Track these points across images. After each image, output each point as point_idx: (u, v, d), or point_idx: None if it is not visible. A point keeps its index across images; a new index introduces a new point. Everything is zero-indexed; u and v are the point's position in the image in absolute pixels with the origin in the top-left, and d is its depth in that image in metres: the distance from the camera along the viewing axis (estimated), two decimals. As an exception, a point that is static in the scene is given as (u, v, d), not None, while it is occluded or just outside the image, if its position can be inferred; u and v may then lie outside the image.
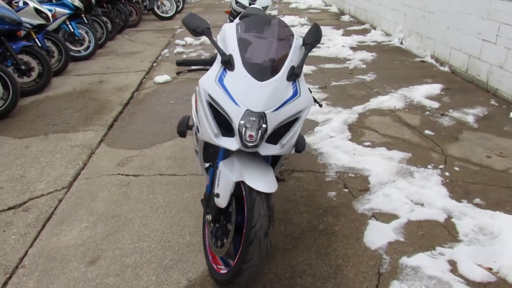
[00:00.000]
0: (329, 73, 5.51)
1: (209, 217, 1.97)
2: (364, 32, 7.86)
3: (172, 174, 3.08)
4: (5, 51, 4.86)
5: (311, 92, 2.00)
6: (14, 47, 4.92)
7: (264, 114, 1.67)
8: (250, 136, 1.68)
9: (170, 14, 10.60)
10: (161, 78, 5.40)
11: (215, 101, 1.73)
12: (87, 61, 6.55)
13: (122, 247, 2.34)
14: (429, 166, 3.05)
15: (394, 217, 2.50)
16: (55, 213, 2.68)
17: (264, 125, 1.67)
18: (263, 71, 1.74)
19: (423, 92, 4.49)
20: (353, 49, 6.64)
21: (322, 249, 2.26)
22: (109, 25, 8.15)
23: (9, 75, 4.33)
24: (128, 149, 3.51)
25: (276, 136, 1.77)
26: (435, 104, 4.23)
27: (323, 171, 3.06)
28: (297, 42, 1.86)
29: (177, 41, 7.61)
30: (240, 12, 5.61)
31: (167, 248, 2.31)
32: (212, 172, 2.03)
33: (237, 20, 2.13)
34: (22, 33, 5.42)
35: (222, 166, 1.88)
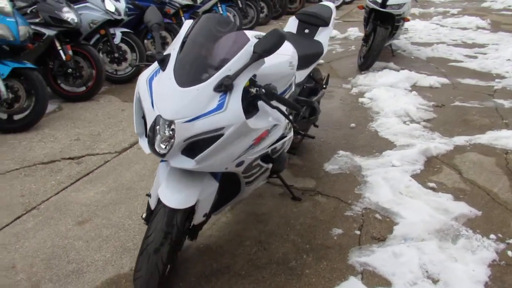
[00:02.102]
0: (462, 90, 4.54)
1: (143, 215, 1.94)
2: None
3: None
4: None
5: (289, 116, 1.72)
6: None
7: (174, 123, 1.51)
8: (155, 143, 1.56)
9: (336, 4, 10.32)
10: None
11: (140, 100, 1.65)
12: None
13: (111, 218, 2.51)
14: (491, 236, 2.27)
15: (386, 283, 1.97)
16: (93, 172, 3.03)
17: (172, 135, 1.52)
18: (192, 76, 1.57)
19: None
20: (520, 66, 5.29)
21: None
22: (265, 9, 8.48)
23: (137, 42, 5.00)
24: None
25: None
26: None
27: (350, 202, 2.61)
28: (247, 50, 1.59)
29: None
30: (372, 8, 5.10)
31: (140, 233, 2.37)
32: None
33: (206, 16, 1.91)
34: (171, 11, 6.14)
35: (160, 168, 1.81)
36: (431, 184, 2.75)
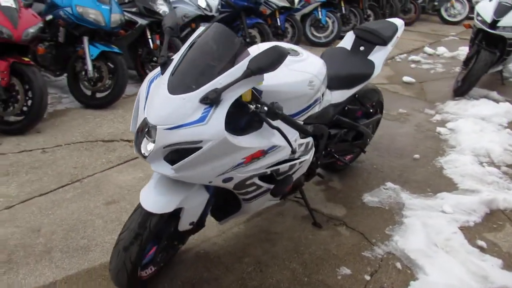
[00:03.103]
0: None
1: None
2: None
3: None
4: (240, 24, 5.73)
5: (289, 140, 1.62)
6: (248, 22, 5.72)
7: (155, 128, 1.51)
8: (141, 145, 1.57)
9: (458, 18, 9.36)
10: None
11: (139, 100, 1.68)
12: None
13: (134, 204, 2.60)
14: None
15: None
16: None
17: (153, 140, 1.53)
18: (183, 84, 1.54)
19: None
20: None
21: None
22: (371, 18, 8.08)
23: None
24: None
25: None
26: None
27: (375, 242, 2.35)
28: (241, 66, 1.51)
29: (427, 49, 6.80)
30: (479, 28, 4.53)
31: None
32: None
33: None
34: (267, 11, 6.19)
35: None
36: (481, 243, 2.34)
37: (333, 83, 2.22)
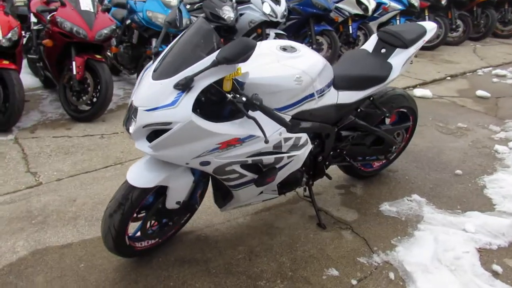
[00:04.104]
0: None
1: None
2: None
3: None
4: (308, 31, 5.79)
5: (263, 130, 1.68)
6: (316, 28, 5.76)
7: (137, 110, 1.70)
8: (129, 123, 1.77)
9: None
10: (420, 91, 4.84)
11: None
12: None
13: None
14: None
15: None
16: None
17: (135, 120, 1.72)
18: (164, 72, 1.70)
19: None
20: None
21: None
22: (460, 29, 7.54)
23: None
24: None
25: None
26: None
27: (376, 250, 2.25)
28: (212, 56, 1.62)
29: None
30: None
31: None
32: None
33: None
34: (339, 19, 6.17)
35: None
36: (496, 267, 2.11)
37: (341, 83, 2.20)
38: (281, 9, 5.29)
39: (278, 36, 5.29)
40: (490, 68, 6.01)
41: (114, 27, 4.03)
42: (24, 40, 5.20)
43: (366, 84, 2.29)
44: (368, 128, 2.46)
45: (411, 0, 6.52)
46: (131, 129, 1.74)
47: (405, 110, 2.72)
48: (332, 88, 2.17)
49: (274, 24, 5.36)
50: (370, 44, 2.51)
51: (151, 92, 1.67)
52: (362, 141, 2.53)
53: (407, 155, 3.29)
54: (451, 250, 2.19)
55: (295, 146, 2.02)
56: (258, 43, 2.11)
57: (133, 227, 2.07)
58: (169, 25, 1.94)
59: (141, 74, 1.87)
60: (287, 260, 2.19)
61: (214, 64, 1.59)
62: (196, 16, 4.87)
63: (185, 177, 1.92)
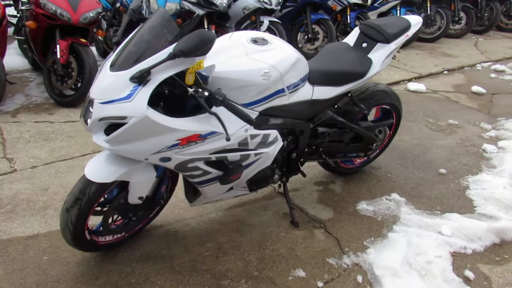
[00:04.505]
0: None
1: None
2: None
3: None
4: (304, 19, 5.65)
5: (225, 126, 1.61)
6: (312, 17, 5.62)
7: (93, 101, 1.63)
8: (87, 116, 1.70)
9: None
10: (414, 85, 4.73)
11: (97, 76, 1.81)
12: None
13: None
14: None
15: None
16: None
17: (92, 112, 1.65)
18: (121, 63, 1.62)
19: None
20: None
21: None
22: (462, 20, 7.36)
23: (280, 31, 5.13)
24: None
25: None
26: None
27: (347, 251, 2.20)
28: (169, 48, 1.54)
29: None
30: None
31: (169, 207, 2.46)
32: None
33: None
34: (337, 7, 6.02)
35: None
36: (468, 273, 2.06)
37: (317, 78, 2.12)
38: (275, -4, 5.16)
39: (272, 24, 5.17)
40: (490, 63, 5.87)
41: (100, 10, 3.93)
42: (15, 20, 5.13)
43: (343, 80, 2.20)
44: (346, 124, 2.38)
45: (414, -10, 6.35)
46: (88, 122, 1.68)
47: (388, 107, 2.64)
48: (307, 83, 2.09)
49: (269, 12, 5.23)
50: (352, 38, 2.42)
51: (107, 84, 1.60)
52: (340, 138, 2.45)
53: (392, 151, 3.21)
54: (423, 254, 2.13)
55: (263, 143, 1.95)
56: (229, 34, 2.03)
57: (98, 220, 2.03)
58: (133, 13, 1.86)
59: (102, 64, 1.80)
60: (255, 259, 2.14)
61: (171, 57, 1.51)
62: (188, 1, 4.75)
63: (146, 173, 1.86)
